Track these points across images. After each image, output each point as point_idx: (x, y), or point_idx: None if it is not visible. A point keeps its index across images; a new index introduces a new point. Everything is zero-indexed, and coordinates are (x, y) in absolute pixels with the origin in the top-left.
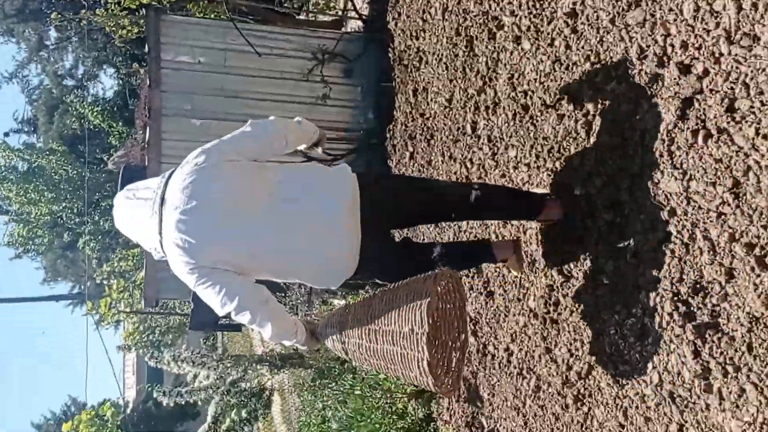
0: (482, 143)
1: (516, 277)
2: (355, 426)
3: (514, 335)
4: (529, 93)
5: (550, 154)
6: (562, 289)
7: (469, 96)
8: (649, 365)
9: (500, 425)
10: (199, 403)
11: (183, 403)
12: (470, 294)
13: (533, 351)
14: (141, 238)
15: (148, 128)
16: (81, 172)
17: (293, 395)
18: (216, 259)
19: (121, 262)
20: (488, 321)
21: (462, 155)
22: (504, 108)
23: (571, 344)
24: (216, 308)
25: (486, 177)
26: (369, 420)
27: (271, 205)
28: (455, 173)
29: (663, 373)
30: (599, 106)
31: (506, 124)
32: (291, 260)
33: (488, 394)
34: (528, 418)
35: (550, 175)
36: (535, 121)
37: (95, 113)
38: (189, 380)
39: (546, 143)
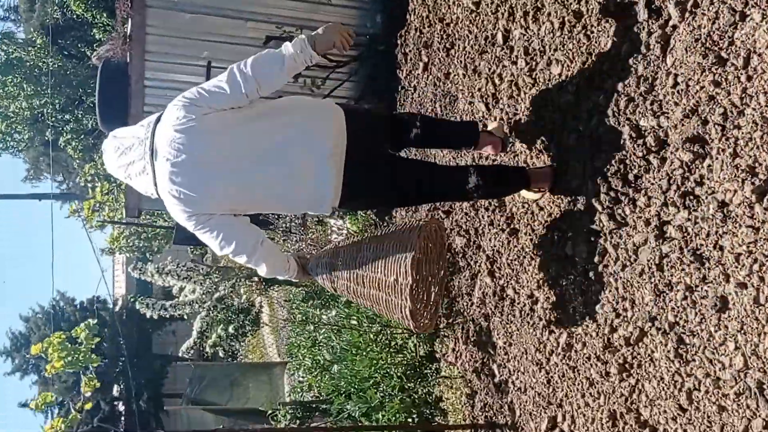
0: (517, 56)
1: (550, 216)
2: (349, 358)
3: (541, 282)
4: None
5: (609, 75)
6: (612, 238)
7: None
8: (731, 344)
9: (515, 377)
10: (185, 317)
11: (168, 316)
12: (489, 229)
13: (566, 304)
14: (134, 183)
15: (130, 20)
16: (63, 66)
17: (283, 309)
18: (211, 206)
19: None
20: (509, 262)
21: (489, 69)
22: (549, 14)
23: (617, 303)
24: (215, 250)
25: (519, 97)
26: (365, 353)
27: (256, 151)
28: (479, 89)
29: (751, 358)
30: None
31: (550, 35)
32: (279, 199)
33: (504, 342)
34: (552, 376)
35: (603, 98)
36: (589, 32)
37: (77, 2)
38: (175, 292)
39: (603, 61)
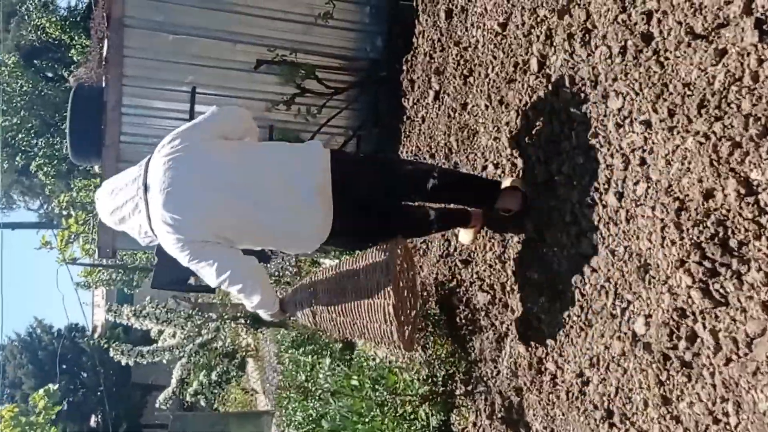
0: (557, 86)
1: (610, 282)
2: (350, 427)
3: (596, 361)
4: (660, 14)
5: (699, 111)
6: (705, 320)
7: (538, 19)
8: None
9: None
10: (164, 362)
11: (144, 363)
12: (522, 288)
13: (632, 393)
14: (128, 227)
15: (106, 41)
16: (37, 87)
17: (271, 354)
18: (203, 233)
19: (81, 192)
20: (550, 330)
21: (520, 100)
22: (605, 37)
23: (713, 404)
24: (210, 280)
25: (563, 134)
26: (368, 422)
27: (248, 182)
28: (507, 123)
29: None
30: None
31: (606, 61)
32: (268, 232)
33: (543, 426)
34: None
35: (700, 142)
36: (663, 58)
37: (54, 23)
38: (154, 335)
39: (687, 93)
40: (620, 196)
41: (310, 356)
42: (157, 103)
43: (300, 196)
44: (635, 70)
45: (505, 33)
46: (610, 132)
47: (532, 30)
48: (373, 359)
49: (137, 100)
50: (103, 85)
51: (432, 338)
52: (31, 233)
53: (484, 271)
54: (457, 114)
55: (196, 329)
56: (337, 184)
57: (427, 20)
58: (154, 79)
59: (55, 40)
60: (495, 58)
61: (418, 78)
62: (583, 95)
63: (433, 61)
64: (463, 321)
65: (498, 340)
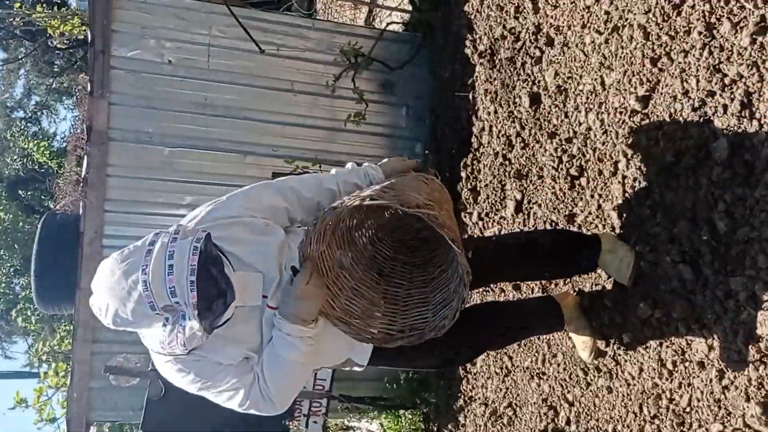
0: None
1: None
2: None
3: None
4: None
5: None
6: None
7: (721, 80)
8: None
9: None
10: None
11: None
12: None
13: None
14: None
15: (85, 158)
16: (20, 220)
17: None
18: None
19: (64, 340)
20: None
21: (688, 203)
22: None
23: None
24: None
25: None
26: None
27: None
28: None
29: None
30: None
31: None
32: None
33: None
34: None
35: None
36: None
37: (42, 150)
38: None
39: None
40: None
41: None
42: (147, 232)
43: None
44: None
45: (646, 111)
46: None
47: (708, 101)
48: None
49: (122, 229)
50: (80, 212)
51: None
52: (14, 385)
53: None
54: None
55: None
56: None
57: (497, 111)
58: (143, 203)
59: (42, 168)
60: (632, 146)
61: (486, 186)
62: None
63: (509, 163)
64: None
65: None
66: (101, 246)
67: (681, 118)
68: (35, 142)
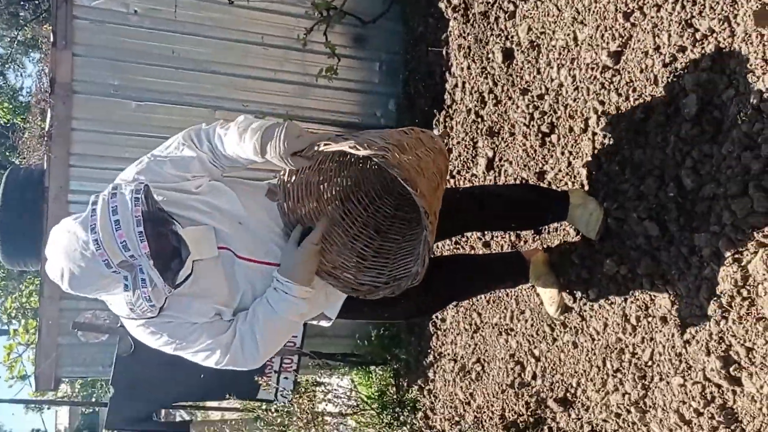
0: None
1: None
2: None
3: None
4: None
5: None
6: None
7: (691, 36)
8: None
9: None
10: None
11: None
12: None
13: None
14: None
15: (49, 111)
16: None
17: None
18: None
19: (32, 296)
20: None
21: (656, 163)
22: None
23: None
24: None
25: None
26: None
27: None
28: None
29: None
30: None
31: None
32: None
33: None
34: None
35: None
36: None
37: (4, 106)
38: None
39: None
40: None
41: None
42: None
43: None
44: None
45: (618, 67)
46: None
47: (679, 56)
48: None
49: (88, 184)
50: (44, 167)
51: None
52: None
53: (605, 420)
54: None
55: None
56: None
57: (470, 67)
58: (109, 158)
59: (6, 124)
60: (603, 103)
61: (458, 144)
62: None
63: (482, 120)
64: None
65: None
66: (67, 201)
67: (652, 74)
68: None
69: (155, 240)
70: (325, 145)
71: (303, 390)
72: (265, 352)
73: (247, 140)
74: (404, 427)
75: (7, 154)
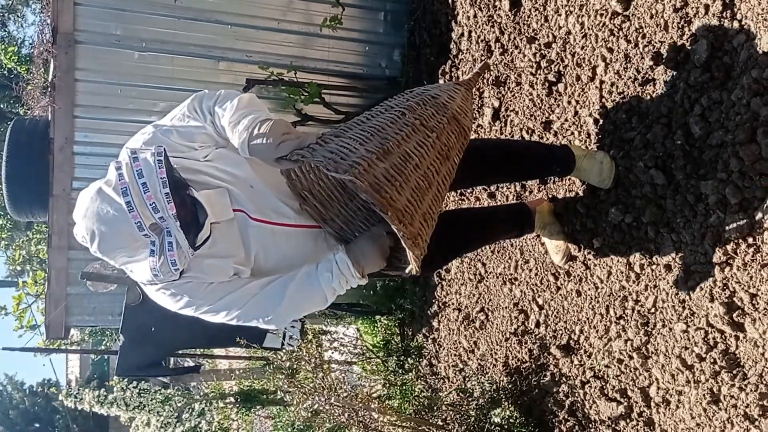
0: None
1: None
2: None
3: None
4: None
5: None
6: None
7: None
8: None
9: None
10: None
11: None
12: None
13: None
14: None
15: (52, 62)
16: None
17: None
18: None
19: (39, 245)
20: None
21: (664, 111)
22: None
23: None
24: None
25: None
26: None
27: None
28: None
29: None
30: None
31: None
32: None
33: None
34: None
35: None
36: None
37: (9, 55)
38: (124, 422)
39: None
40: None
41: None
42: (119, 139)
43: None
44: None
45: (627, 13)
46: None
47: (690, 1)
48: None
49: (93, 135)
50: (49, 118)
51: None
52: None
53: (608, 366)
54: (530, 134)
55: (175, 415)
56: None
57: (476, 16)
58: (113, 109)
59: (11, 73)
60: (611, 50)
61: None
62: None
63: (488, 70)
64: None
65: None
66: (72, 153)
67: (662, 20)
68: (2, 47)
69: (178, 203)
70: (302, 158)
71: (311, 337)
72: (288, 316)
73: (236, 140)
74: (409, 374)
75: (12, 104)
